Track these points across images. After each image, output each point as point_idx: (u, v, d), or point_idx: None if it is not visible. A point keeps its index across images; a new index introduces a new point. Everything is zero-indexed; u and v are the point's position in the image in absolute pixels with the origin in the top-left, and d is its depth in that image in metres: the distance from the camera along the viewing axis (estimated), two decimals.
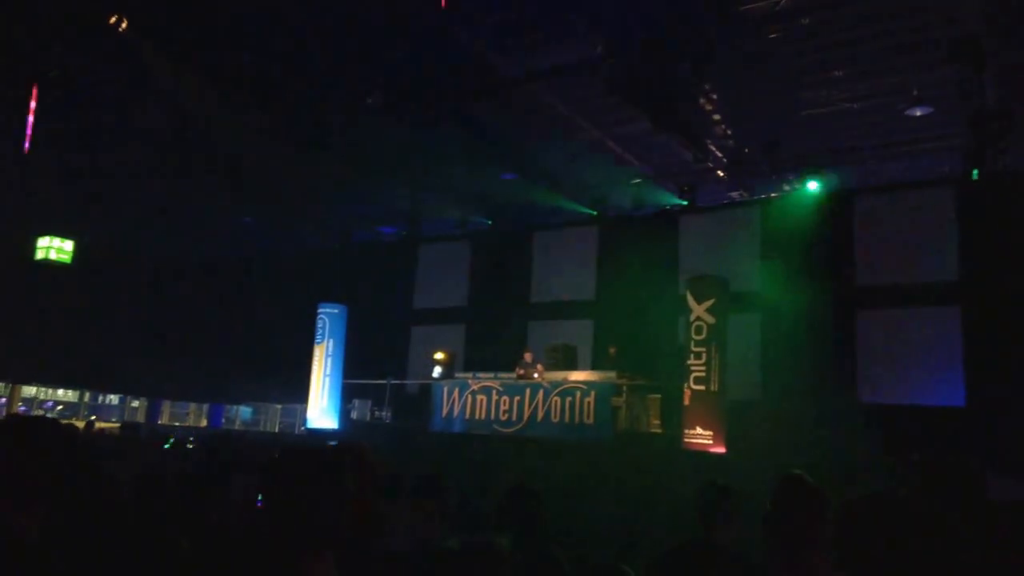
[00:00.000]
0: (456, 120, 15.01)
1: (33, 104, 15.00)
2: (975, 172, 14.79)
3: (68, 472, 2.28)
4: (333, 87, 14.63)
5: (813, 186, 16.36)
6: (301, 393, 19.23)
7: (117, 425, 18.67)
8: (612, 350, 15.59)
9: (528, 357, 15.85)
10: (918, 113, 13.96)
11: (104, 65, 14.49)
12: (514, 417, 15.04)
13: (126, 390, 26.91)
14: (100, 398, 29.70)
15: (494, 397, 15.41)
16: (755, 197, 17.62)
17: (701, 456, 12.76)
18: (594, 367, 16.47)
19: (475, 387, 15.73)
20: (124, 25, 13.68)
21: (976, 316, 14.63)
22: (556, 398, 14.64)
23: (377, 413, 18.39)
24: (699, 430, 13.13)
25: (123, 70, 14.43)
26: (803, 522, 3.14)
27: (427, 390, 17.09)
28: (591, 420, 14.21)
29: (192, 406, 28.68)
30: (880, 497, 2.41)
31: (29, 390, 26.33)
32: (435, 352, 18.13)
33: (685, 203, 18.17)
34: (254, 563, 2.08)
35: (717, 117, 15.09)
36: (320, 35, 13.16)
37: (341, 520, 2.06)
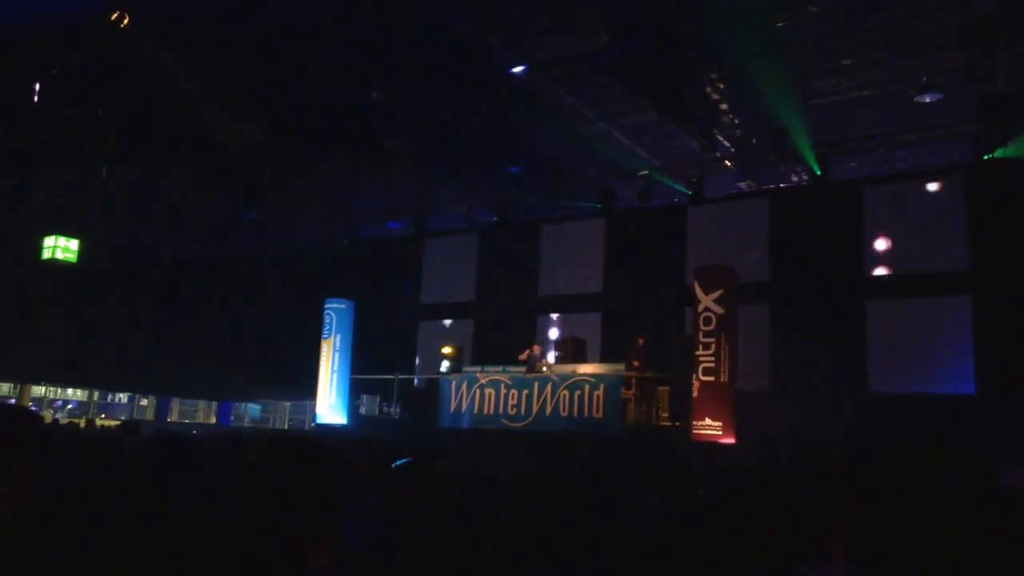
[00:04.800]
0: (461, 113, 14.97)
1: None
2: (987, 156, 14.62)
3: (40, 457, 2.33)
4: (336, 83, 14.58)
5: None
6: (309, 389, 19.19)
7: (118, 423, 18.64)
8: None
9: (536, 350, 15.80)
10: (927, 100, 13.82)
11: (107, 62, 14.45)
12: (523, 411, 14.97)
13: (134, 388, 26.94)
14: (109, 397, 29.74)
15: (502, 391, 15.34)
16: (763, 187, 17.50)
17: (710, 447, 12.70)
18: (603, 360, 16.39)
19: (483, 381, 15.66)
20: (126, 22, 13.65)
21: (986, 304, 14.52)
22: (565, 391, 14.57)
23: (386, 408, 18.35)
24: (708, 421, 13.05)
25: (126, 67, 14.40)
26: (825, 511, 3.06)
27: (435, 385, 17.03)
28: (600, 414, 14.13)
29: (201, 403, 28.71)
30: (893, 488, 2.33)
31: (38, 390, 26.38)
32: (443, 347, 18.07)
33: (692, 194, 18.04)
34: (252, 553, 2.03)
35: (725, 107, 14.99)
36: (323, 31, 13.10)
37: (336, 509, 2.05)
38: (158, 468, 4.31)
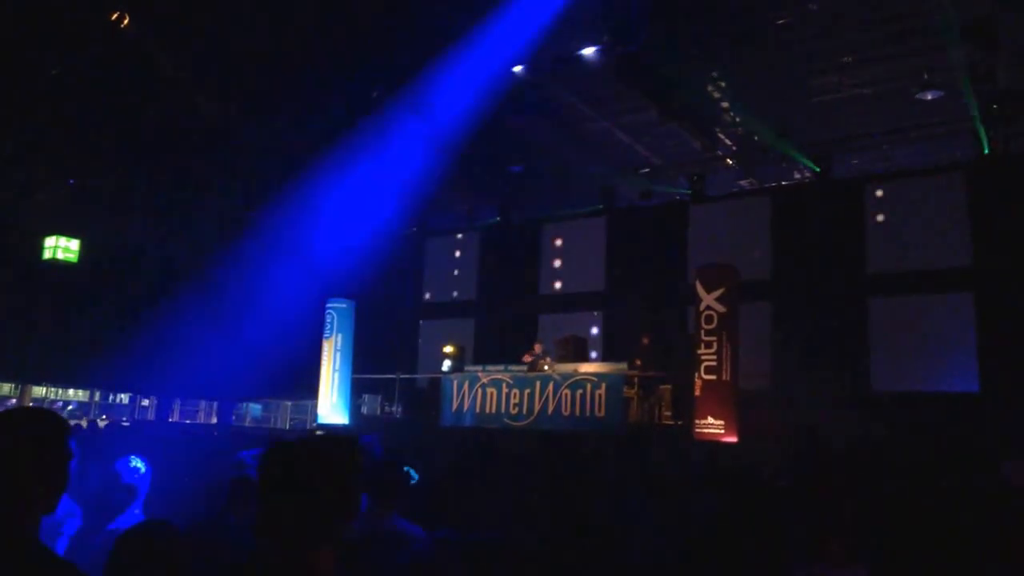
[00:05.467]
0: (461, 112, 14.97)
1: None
2: (985, 148, 14.61)
3: (66, 461, 2.30)
4: (337, 82, 14.57)
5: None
6: (311, 389, 19.16)
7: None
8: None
9: (538, 349, 15.77)
10: (929, 97, 13.82)
11: (107, 62, 14.44)
12: (524, 410, 14.94)
13: (136, 389, 26.89)
14: (110, 397, 29.70)
15: (504, 390, 15.30)
16: (765, 185, 17.48)
17: (713, 446, 12.68)
18: (604, 359, 16.36)
19: (485, 380, 15.63)
20: (126, 22, 13.64)
21: (989, 302, 14.48)
22: (567, 390, 14.53)
23: (387, 408, 18.31)
24: (710, 420, 13.02)
25: (126, 67, 14.39)
26: (825, 510, 3.06)
27: (437, 384, 16.99)
28: (602, 413, 14.09)
29: (202, 404, 28.66)
30: (893, 489, 2.31)
31: (39, 391, 26.33)
32: (444, 346, 18.04)
33: (694, 192, 18.01)
34: (258, 557, 2.02)
35: (726, 105, 14.99)
36: (323, 30, 13.09)
37: (342, 513, 2.02)
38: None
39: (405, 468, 4.78)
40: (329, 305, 18.88)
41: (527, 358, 15.62)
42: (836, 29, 12.72)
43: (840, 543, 2.92)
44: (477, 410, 15.51)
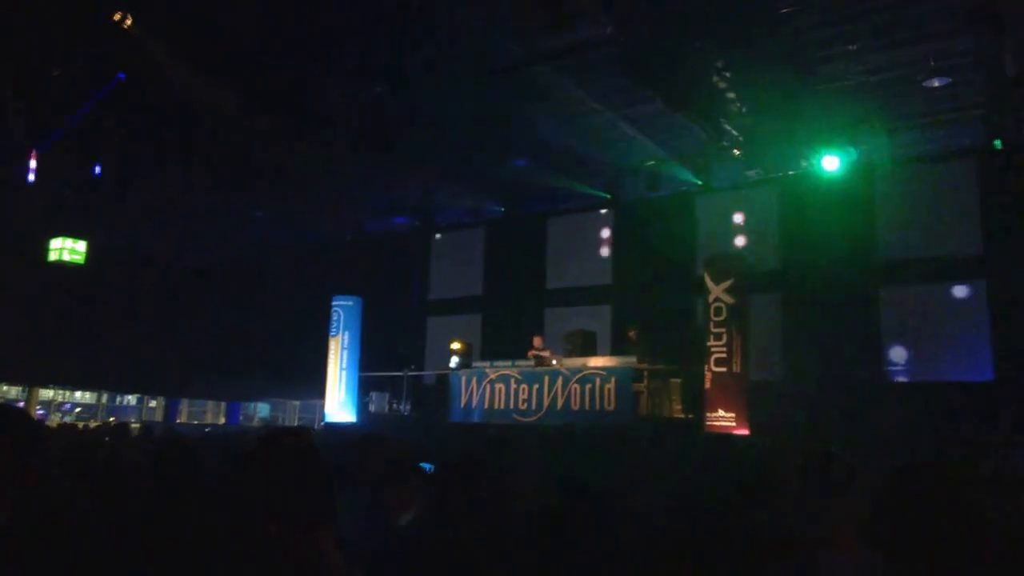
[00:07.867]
0: (464, 106, 14.88)
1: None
2: (997, 142, 14.46)
3: (36, 459, 2.29)
4: (340, 76, 14.50)
5: (830, 163, 15.79)
6: (318, 388, 19.13)
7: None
8: (632, 334, 15.30)
9: (537, 343, 15.62)
10: (936, 84, 13.67)
11: (109, 63, 14.39)
12: (533, 405, 14.89)
13: (143, 390, 26.90)
14: (118, 399, 29.72)
15: (512, 385, 15.25)
16: (772, 175, 17.36)
17: (724, 439, 12.60)
18: (613, 352, 16.28)
19: (493, 376, 15.58)
20: (128, 22, 13.58)
21: (1002, 289, 14.35)
22: (575, 385, 14.47)
23: (395, 405, 18.27)
24: (721, 412, 12.95)
25: (128, 68, 14.34)
26: (831, 498, 2.99)
27: (445, 381, 16.94)
28: (612, 407, 14.02)
29: (210, 404, 28.65)
30: (913, 474, 2.25)
31: (46, 393, 26.35)
32: (452, 342, 17.98)
33: (701, 183, 17.85)
34: (254, 544, 2.02)
35: (732, 95, 14.86)
36: (326, 22, 13.02)
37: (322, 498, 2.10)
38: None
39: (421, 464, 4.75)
40: (335, 303, 18.84)
41: (531, 354, 15.52)
42: (841, 16, 12.58)
43: (850, 531, 2.85)
44: (486, 406, 15.47)
